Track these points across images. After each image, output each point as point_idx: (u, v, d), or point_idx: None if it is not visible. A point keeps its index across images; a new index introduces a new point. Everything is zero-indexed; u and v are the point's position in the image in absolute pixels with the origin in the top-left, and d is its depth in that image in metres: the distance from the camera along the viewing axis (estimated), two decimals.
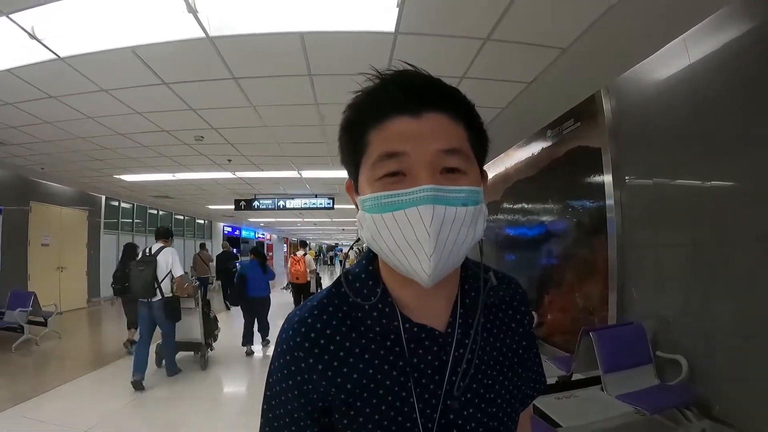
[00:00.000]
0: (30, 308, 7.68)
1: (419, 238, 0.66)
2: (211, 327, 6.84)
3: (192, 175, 9.77)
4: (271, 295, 7.90)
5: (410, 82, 0.72)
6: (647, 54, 3.86)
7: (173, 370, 6.10)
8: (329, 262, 41.89)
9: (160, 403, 5.09)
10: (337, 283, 0.84)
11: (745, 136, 3.07)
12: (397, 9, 3.17)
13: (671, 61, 3.67)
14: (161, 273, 5.75)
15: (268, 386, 0.82)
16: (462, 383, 0.76)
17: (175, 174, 9.56)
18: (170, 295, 5.83)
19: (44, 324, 7.89)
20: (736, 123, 3.15)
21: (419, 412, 0.75)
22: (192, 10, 3.18)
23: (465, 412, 0.77)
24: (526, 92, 4.68)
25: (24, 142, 6.79)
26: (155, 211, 17.26)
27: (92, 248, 12.85)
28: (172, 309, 5.83)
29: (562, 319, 5.29)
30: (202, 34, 3.51)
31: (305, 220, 21.98)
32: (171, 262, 5.92)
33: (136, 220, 15.86)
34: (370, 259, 0.85)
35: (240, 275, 7.73)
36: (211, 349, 6.97)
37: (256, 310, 7.63)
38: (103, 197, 13.37)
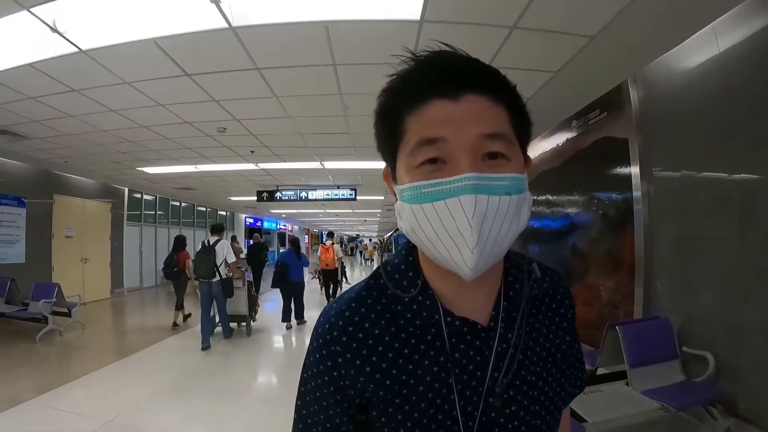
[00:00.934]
0: (54, 299, 7.80)
1: (461, 230, 0.63)
2: (253, 303, 8.59)
3: (214, 167, 9.83)
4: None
5: (447, 63, 0.69)
6: (675, 43, 3.77)
7: (229, 333, 7.93)
8: (350, 253, 42.01)
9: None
10: (375, 275, 0.81)
11: None
12: None
13: (700, 50, 3.58)
14: (219, 260, 7.40)
15: (303, 381, 0.80)
16: (505, 380, 0.73)
17: (198, 165, 9.64)
18: (225, 276, 7.49)
19: (68, 315, 8.00)
20: (766, 113, 3.05)
21: (460, 410, 0.72)
22: None
23: (507, 410, 0.74)
24: (552, 82, 4.61)
25: (47, 135, 6.89)
26: (177, 203, 17.48)
27: (115, 240, 13.05)
28: (228, 287, 7.60)
29: (587, 312, 5.22)
30: (225, 25, 3.50)
31: (327, 211, 22.09)
32: (225, 251, 7.53)
33: (158, 212, 16.10)
34: (409, 249, 0.82)
35: (282, 262, 9.20)
36: (254, 320, 8.66)
37: (293, 292, 9.16)
38: (126, 189, 13.56)
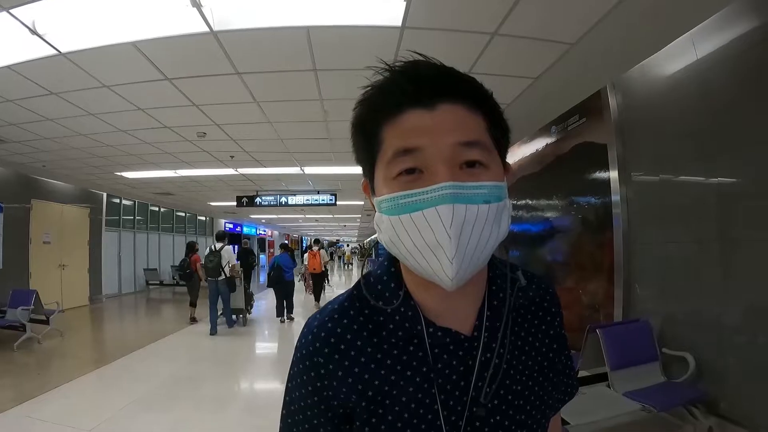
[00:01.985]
0: (32, 306, 7.66)
1: (440, 240, 0.63)
2: (249, 299, 10.32)
3: (194, 172, 9.78)
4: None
5: (422, 73, 0.68)
6: (654, 50, 3.83)
7: (232, 322, 9.56)
8: (330, 258, 41.92)
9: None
10: (357, 286, 0.81)
11: (751, 133, 3.06)
12: (404, 3, 3.15)
13: (678, 57, 3.65)
14: (223, 262, 9.04)
15: (288, 391, 0.80)
16: (489, 389, 0.73)
17: (177, 171, 9.57)
18: (228, 276, 9.13)
19: (46, 322, 7.86)
20: (742, 119, 3.13)
21: (444, 420, 0.72)
22: (196, 3, 3.15)
23: (492, 420, 0.74)
24: (532, 88, 4.66)
25: (25, 139, 6.78)
26: (157, 208, 17.31)
27: (94, 246, 12.85)
28: (231, 284, 9.27)
29: (568, 315, 5.10)
30: (206, 29, 3.48)
31: (307, 216, 22.02)
32: (228, 255, 9.18)
33: (137, 217, 15.89)
34: (391, 260, 0.81)
35: (277, 265, 10.57)
36: (249, 313, 10.44)
37: (285, 291, 10.52)
38: (105, 194, 13.37)
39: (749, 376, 3.09)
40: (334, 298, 0.83)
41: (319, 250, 12.78)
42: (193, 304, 10.30)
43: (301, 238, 46.99)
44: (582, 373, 3.84)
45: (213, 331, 8.81)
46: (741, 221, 3.17)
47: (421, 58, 0.70)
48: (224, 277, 9.06)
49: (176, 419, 4.52)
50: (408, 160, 0.66)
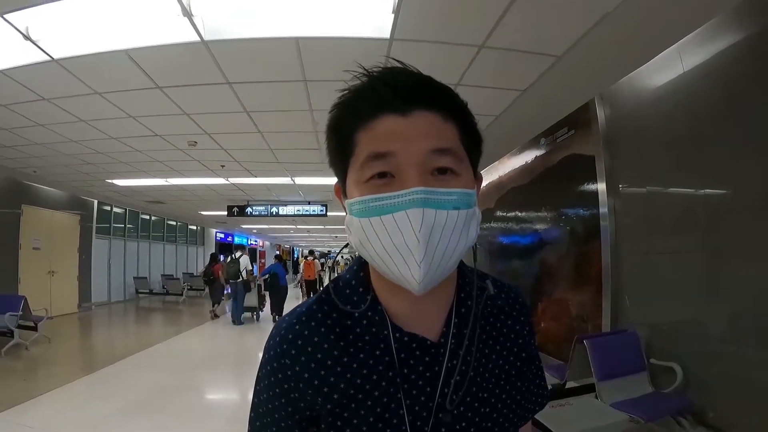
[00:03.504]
0: (20, 312, 7.59)
1: (408, 243, 0.64)
2: (261, 299, 12.51)
3: (185, 181, 9.74)
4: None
5: (399, 80, 0.69)
6: (641, 62, 3.86)
7: (239, 319, 11.41)
8: (321, 267, 41.83)
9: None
10: (326, 290, 0.82)
11: (738, 144, 3.08)
12: (393, 15, 3.18)
13: (665, 69, 3.68)
14: (241, 267, 11.40)
15: (256, 393, 0.80)
16: (455, 396, 0.74)
17: (168, 179, 9.54)
18: (245, 279, 11.43)
19: (34, 329, 7.81)
20: (728, 131, 3.16)
21: (409, 425, 0.72)
22: (187, 13, 3.17)
23: (458, 426, 0.74)
24: (520, 100, 4.68)
25: (16, 144, 6.75)
26: (147, 217, 17.19)
27: (84, 253, 12.74)
28: (247, 286, 11.53)
29: (556, 326, 5.27)
30: (197, 38, 3.50)
31: (298, 227, 21.94)
32: (245, 262, 11.63)
33: (128, 225, 15.79)
34: (360, 265, 0.82)
35: (273, 273, 12.14)
36: (261, 311, 12.62)
37: (280, 295, 11.84)
38: (96, 201, 13.28)
39: (736, 386, 3.09)
40: (303, 302, 0.84)
41: (313, 260, 15.22)
42: (215, 303, 12.66)
43: (293, 248, 46.82)
44: (570, 384, 3.85)
45: (238, 323, 11.29)
46: (727, 232, 3.19)
47: (398, 65, 0.72)
48: (241, 279, 11.37)
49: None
50: (380, 164, 0.67)
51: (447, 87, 0.72)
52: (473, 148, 0.75)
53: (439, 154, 0.67)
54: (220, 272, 12.41)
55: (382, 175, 0.67)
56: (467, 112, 0.74)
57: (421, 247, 0.63)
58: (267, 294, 12.50)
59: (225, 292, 13.44)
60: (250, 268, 11.81)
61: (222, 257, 12.45)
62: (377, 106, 0.68)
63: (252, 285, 11.71)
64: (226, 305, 13.61)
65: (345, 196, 0.76)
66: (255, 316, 12.18)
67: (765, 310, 2.89)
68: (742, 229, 3.07)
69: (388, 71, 0.71)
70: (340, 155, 0.75)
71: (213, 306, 12.58)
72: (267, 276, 12.38)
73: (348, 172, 0.73)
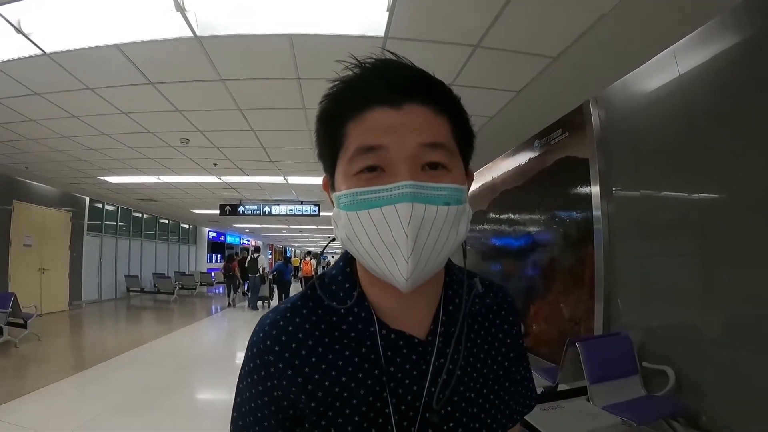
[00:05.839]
0: (9, 309, 7.50)
1: (396, 238, 0.62)
2: (272, 290, 15.48)
3: (177, 179, 9.71)
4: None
5: (392, 72, 0.68)
6: (636, 65, 3.87)
7: (255, 306, 14.22)
8: (317, 266, 42.15)
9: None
10: (312, 286, 0.79)
11: (732, 148, 3.09)
12: (388, 14, 3.16)
13: (660, 72, 3.69)
14: (259, 264, 14.21)
15: (238, 392, 0.78)
16: (442, 395, 0.72)
17: (160, 177, 9.50)
18: (261, 274, 14.35)
19: (24, 326, 7.73)
20: (723, 134, 3.16)
21: (395, 424, 0.70)
22: (180, 7, 3.14)
23: (445, 426, 0.73)
24: (514, 101, 4.68)
25: (7, 139, 6.69)
26: (140, 215, 17.14)
27: (75, 250, 12.68)
28: (262, 279, 14.46)
29: (548, 329, 5.27)
30: (190, 34, 3.46)
31: (291, 226, 21.98)
32: (262, 261, 14.42)
33: (120, 223, 15.74)
34: (347, 260, 0.80)
35: (279, 270, 15.02)
36: (272, 299, 15.30)
37: (284, 287, 14.83)
38: (87, 199, 13.22)
39: (729, 390, 3.09)
40: (288, 297, 0.82)
41: (309, 260, 20.34)
42: (235, 292, 15.73)
43: (285, 248, 46.89)
44: (561, 387, 3.84)
45: (254, 308, 14.09)
46: (721, 236, 3.19)
47: (392, 57, 0.70)
48: (259, 274, 14.24)
49: None
50: (370, 157, 0.65)
51: (440, 81, 0.71)
52: (465, 144, 0.73)
53: (431, 149, 0.65)
54: (236, 268, 15.48)
55: (371, 168, 0.65)
56: (460, 108, 0.73)
57: (410, 242, 0.61)
58: (275, 286, 15.29)
59: (245, 285, 15.62)
60: (266, 266, 14.90)
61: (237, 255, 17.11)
62: (369, 98, 0.67)
63: (265, 279, 14.67)
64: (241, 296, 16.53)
65: (333, 189, 0.74)
66: (267, 304, 14.84)
67: (757, 314, 2.90)
68: (735, 232, 3.07)
69: (380, 63, 0.69)
70: (329, 147, 0.73)
71: (230, 296, 15.64)
72: (275, 273, 15.28)
73: (337, 164, 0.71)
